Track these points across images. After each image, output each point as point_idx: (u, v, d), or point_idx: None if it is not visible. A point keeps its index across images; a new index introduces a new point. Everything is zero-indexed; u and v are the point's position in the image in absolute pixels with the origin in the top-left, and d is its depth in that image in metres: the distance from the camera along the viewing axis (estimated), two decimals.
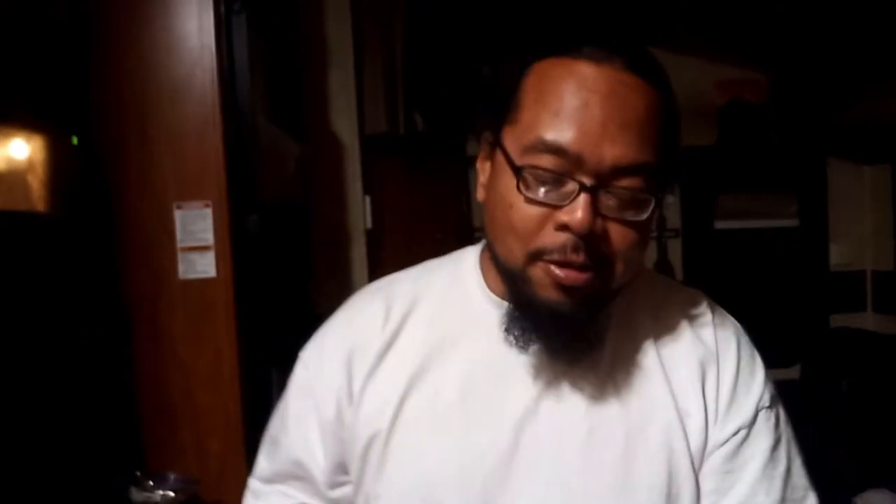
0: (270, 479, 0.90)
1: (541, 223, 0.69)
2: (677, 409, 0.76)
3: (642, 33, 3.10)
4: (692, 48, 3.13)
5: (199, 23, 1.80)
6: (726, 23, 2.82)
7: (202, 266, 1.80)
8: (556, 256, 0.68)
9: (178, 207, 1.79)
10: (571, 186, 0.68)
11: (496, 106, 0.75)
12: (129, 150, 1.79)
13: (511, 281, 0.74)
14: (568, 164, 0.67)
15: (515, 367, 0.76)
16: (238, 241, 1.83)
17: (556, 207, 0.68)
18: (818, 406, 2.99)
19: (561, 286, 0.69)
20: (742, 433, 0.76)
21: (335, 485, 0.85)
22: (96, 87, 1.78)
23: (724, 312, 0.85)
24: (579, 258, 0.68)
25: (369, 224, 2.84)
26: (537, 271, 0.70)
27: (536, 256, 0.70)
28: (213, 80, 1.80)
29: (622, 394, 0.76)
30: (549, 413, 0.75)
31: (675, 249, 3.25)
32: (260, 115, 1.99)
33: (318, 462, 0.84)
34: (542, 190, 0.69)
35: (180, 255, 1.80)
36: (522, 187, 0.69)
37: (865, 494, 2.43)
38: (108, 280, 1.77)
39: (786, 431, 0.79)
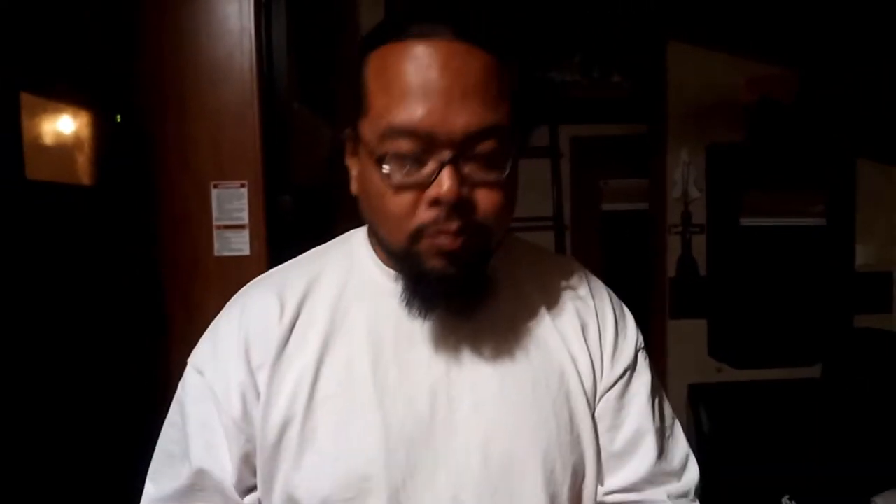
0: (167, 499, 0.82)
1: (413, 204, 0.72)
2: (570, 355, 0.83)
3: (663, 30, 3.10)
4: (722, 44, 3.13)
5: (240, 6, 1.85)
6: (757, 19, 2.81)
7: (237, 244, 1.85)
8: (434, 229, 0.71)
9: (216, 186, 1.84)
10: (432, 163, 0.70)
11: (351, 101, 0.77)
12: (170, 129, 1.84)
13: (399, 260, 0.77)
14: (422, 142, 0.69)
15: (420, 335, 0.79)
16: (272, 220, 1.87)
17: (423, 186, 0.71)
18: (838, 405, 2.98)
19: (444, 255, 0.72)
20: (628, 374, 0.85)
21: (246, 490, 0.81)
22: (139, 68, 1.83)
23: (592, 275, 0.93)
24: (454, 226, 0.71)
25: None
26: (421, 247, 0.73)
27: (417, 235, 0.73)
28: (251, 63, 1.84)
29: (522, 347, 0.81)
30: (459, 374, 0.78)
31: (699, 245, 3.24)
32: (295, 99, 2.03)
33: (226, 468, 0.79)
34: (406, 173, 0.71)
35: (216, 233, 1.85)
36: (387, 175, 0.71)
37: (886, 494, 2.42)
38: (145, 254, 1.82)
39: (651, 375, 0.88)
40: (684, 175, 3.18)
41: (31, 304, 1.35)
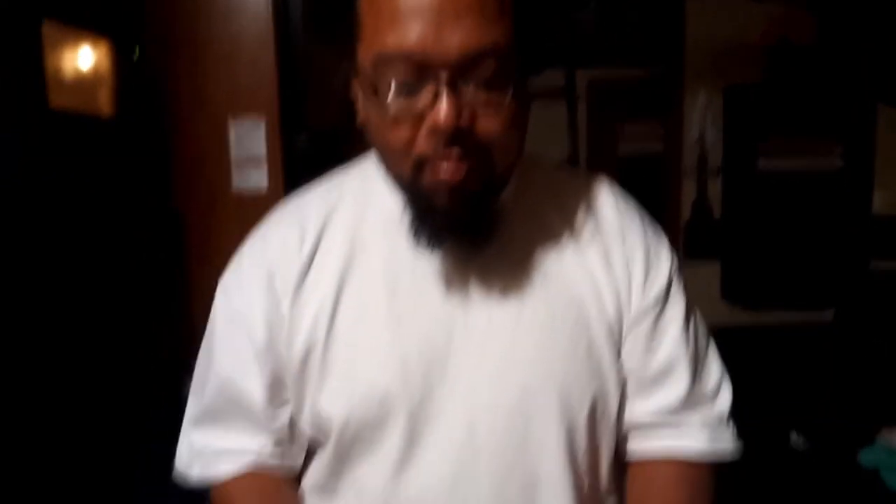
0: (202, 420, 0.85)
1: (413, 135, 0.69)
2: (591, 283, 0.80)
3: None
4: None
5: None
6: None
7: (255, 179, 1.88)
8: (434, 160, 0.69)
9: (233, 120, 1.86)
10: (428, 89, 0.67)
11: (349, 28, 0.74)
12: (184, 64, 1.85)
13: (405, 192, 0.75)
14: (416, 67, 0.66)
15: (434, 266, 0.78)
16: (289, 156, 1.90)
17: (421, 115, 0.68)
18: (850, 348, 3.01)
19: (448, 189, 0.70)
20: (661, 301, 0.82)
21: (277, 405, 0.82)
22: (155, 3, 1.84)
23: (625, 193, 0.88)
24: (455, 154, 0.68)
25: None
26: (424, 179, 0.71)
27: (420, 166, 0.70)
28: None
29: (539, 275, 0.79)
30: (474, 306, 0.78)
31: (714, 188, 3.23)
32: (312, 37, 2.03)
33: (256, 391, 0.81)
34: (402, 102, 0.68)
35: (234, 168, 1.88)
36: (383, 106, 0.68)
37: (893, 429, 2.47)
38: (162, 189, 1.86)
39: (685, 297, 0.85)
40: (701, 117, 3.15)
41: (52, 232, 1.39)
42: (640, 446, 0.83)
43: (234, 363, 0.81)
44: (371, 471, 0.78)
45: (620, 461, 0.85)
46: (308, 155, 1.97)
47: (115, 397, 1.56)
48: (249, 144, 1.86)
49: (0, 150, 1.23)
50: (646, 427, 0.83)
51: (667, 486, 0.82)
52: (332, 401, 0.77)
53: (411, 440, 0.77)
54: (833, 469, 2.55)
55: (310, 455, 0.84)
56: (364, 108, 0.75)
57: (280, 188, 1.90)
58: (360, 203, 0.83)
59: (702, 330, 0.86)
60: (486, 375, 0.77)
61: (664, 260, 0.84)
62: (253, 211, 1.88)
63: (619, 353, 0.81)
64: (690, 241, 3.21)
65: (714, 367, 0.86)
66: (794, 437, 2.69)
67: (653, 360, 0.82)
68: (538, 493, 0.78)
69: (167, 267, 1.85)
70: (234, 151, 1.87)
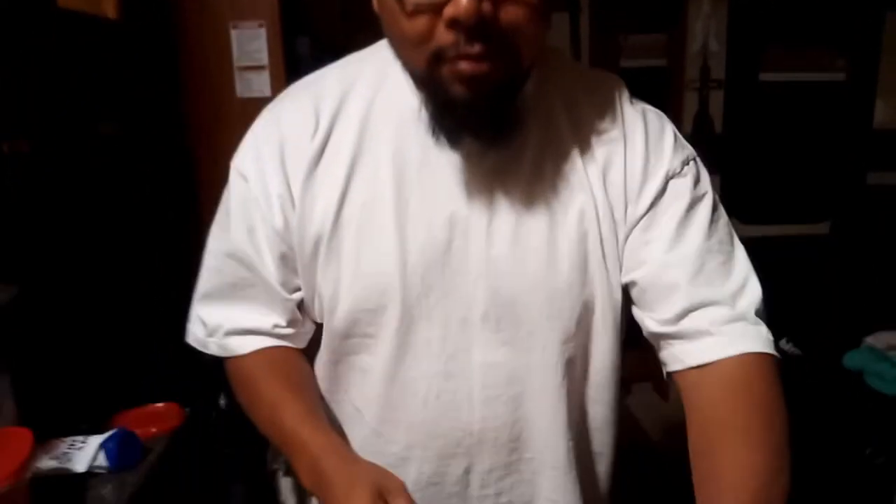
0: (216, 297, 0.86)
1: (431, 25, 0.66)
2: (592, 195, 0.79)
3: None
4: None
5: None
6: None
7: (258, 85, 1.90)
8: (453, 53, 0.66)
9: (234, 27, 1.87)
10: None
11: None
12: None
13: (421, 84, 0.73)
14: None
15: (444, 162, 0.77)
16: (290, 61, 1.92)
17: (440, 5, 0.64)
18: (844, 260, 3.07)
19: (467, 80, 0.67)
20: (654, 206, 0.79)
21: (290, 285, 0.83)
22: None
23: (630, 98, 0.84)
24: (476, 48, 0.65)
25: None
26: (442, 72, 0.68)
27: (437, 59, 0.67)
28: None
29: (545, 183, 0.79)
30: (478, 206, 0.78)
31: (717, 101, 3.22)
32: None
33: (270, 268, 0.82)
34: None
35: (237, 75, 1.90)
36: (398, 3, 0.66)
37: (877, 334, 2.55)
38: (170, 94, 1.89)
39: (702, 192, 0.81)
40: (704, 28, 3.12)
41: (56, 134, 1.42)
42: (697, 352, 0.77)
43: (249, 240, 0.81)
44: (370, 358, 0.82)
45: (617, 365, 0.85)
46: (309, 60, 1.98)
47: (130, 290, 1.63)
48: (251, 51, 1.88)
49: (7, 50, 1.25)
50: (694, 333, 0.77)
51: (747, 383, 0.75)
52: (335, 291, 0.80)
53: (409, 329, 0.79)
54: (820, 373, 2.66)
55: (313, 342, 0.87)
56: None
57: None
58: (374, 90, 0.81)
59: (718, 228, 0.81)
60: (482, 276, 0.78)
61: (663, 162, 0.80)
62: (256, 115, 1.93)
63: (619, 266, 0.81)
64: None
65: (735, 267, 0.80)
66: (785, 344, 2.78)
67: (649, 267, 0.79)
68: (525, 387, 0.81)
69: (176, 169, 1.90)
70: (237, 58, 1.89)
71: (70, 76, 1.44)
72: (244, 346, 0.84)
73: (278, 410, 0.78)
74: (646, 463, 2.26)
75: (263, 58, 1.88)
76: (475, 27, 0.63)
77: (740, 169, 3.23)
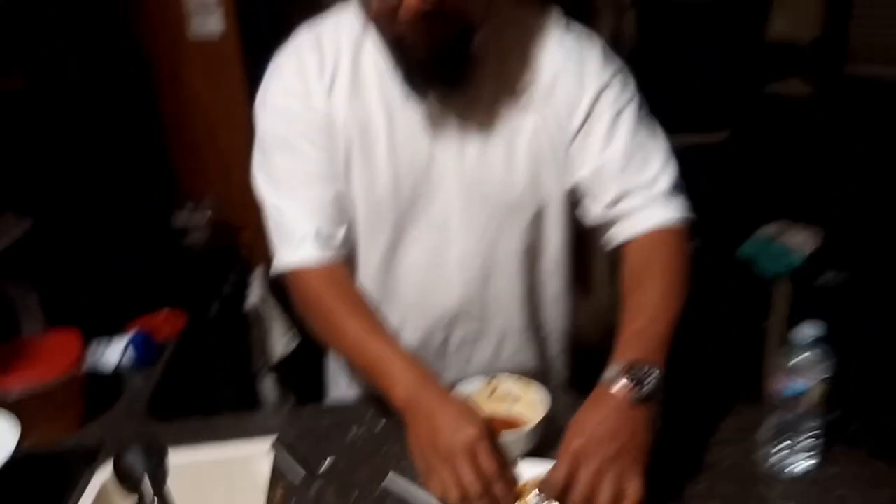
0: (277, 190, 1.00)
1: (396, 6, 0.84)
2: (540, 113, 0.99)
3: None
4: None
5: None
6: None
7: (211, 24, 2.04)
8: (412, 33, 0.85)
9: None
10: None
11: None
12: None
13: (391, 48, 0.91)
14: None
15: (421, 107, 0.96)
16: (241, 1, 2.04)
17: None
18: (741, 165, 3.40)
19: (426, 48, 0.86)
20: (589, 117, 0.99)
21: (333, 180, 0.99)
22: None
23: (569, 29, 1.02)
24: (424, 25, 0.83)
25: None
26: (406, 42, 0.87)
27: (400, 38, 0.87)
28: None
29: (501, 112, 0.98)
30: (452, 134, 0.98)
31: (630, 20, 3.47)
32: None
33: (320, 159, 0.98)
34: None
35: (189, 14, 2.02)
36: None
37: (768, 225, 2.92)
38: (128, 37, 2.00)
39: (628, 99, 1.01)
40: None
41: (45, 72, 1.55)
42: (627, 228, 1.01)
43: (299, 140, 0.97)
44: (370, 251, 1.03)
45: (567, 251, 1.09)
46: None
47: (118, 214, 1.80)
48: None
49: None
50: (624, 214, 1.00)
51: (658, 243, 0.99)
52: (351, 201, 1.00)
53: (401, 232, 1.01)
54: (717, 262, 3.04)
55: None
56: None
57: (234, 31, 2.06)
58: (357, 46, 0.98)
59: (641, 127, 1.01)
60: (455, 190, 1.00)
61: (592, 80, 0.99)
62: (212, 52, 2.07)
63: (565, 169, 1.01)
64: None
65: (654, 154, 1.01)
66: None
67: (590, 164, 1.00)
68: (494, 272, 1.05)
69: (142, 103, 2.03)
70: None
71: (50, 23, 1.57)
72: (301, 257, 0.98)
73: (362, 340, 0.92)
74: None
75: None
76: (423, 13, 0.83)
77: (651, 82, 3.51)
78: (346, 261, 1.02)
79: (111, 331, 1.42)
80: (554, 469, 0.77)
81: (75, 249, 1.55)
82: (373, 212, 1.00)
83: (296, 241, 0.97)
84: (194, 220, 2.03)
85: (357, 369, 0.97)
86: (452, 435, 0.79)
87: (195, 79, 2.08)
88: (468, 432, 0.79)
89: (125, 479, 0.78)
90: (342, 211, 1.00)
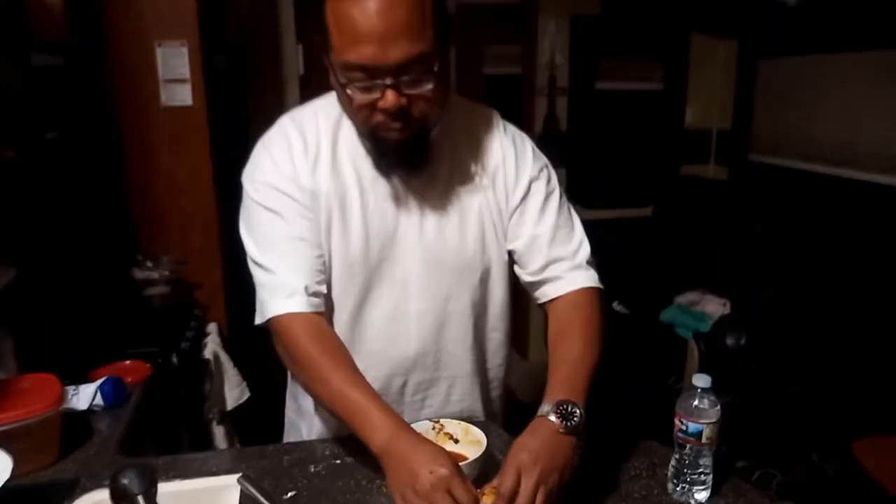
0: (263, 258, 1.11)
1: (370, 109, 1.01)
2: (485, 195, 1.17)
3: None
4: None
5: None
6: None
7: (181, 95, 2.20)
8: (384, 128, 1.02)
9: (160, 45, 2.15)
10: (379, 86, 0.97)
11: (320, 37, 1.01)
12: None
13: (365, 137, 1.09)
14: (370, 72, 0.96)
15: (388, 183, 1.12)
16: (209, 75, 2.22)
17: (375, 101, 0.99)
18: (661, 235, 3.69)
19: (394, 140, 1.04)
20: (524, 200, 1.18)
21: (318, 248, 1.11)
22: None
23: (506, 124, 1.21)
24: (398, 125, 1.01)
25: (301, 70, 3.17)
26: (378, 135, 1.05)
27: (374, 130, 1.04)
28: None
29: (453, 192, 1.15)
30: (413, 207, 1.14)
31: (562, 105, 3.78)
32: None
33: (306, 231, 1.11)
34: (362, 91, 0.99)
35: (162, 86, 2.19)
36: (349, 95, 1.00)
37: (684, 294, 3.18)
38: (102, 106, 2.14)
39: (553, 187, 1.21)
40: (552, 43, 3.67)
41: (31, 143, 1.67)
42: (553, 290, 1.19)
43: (288, 211, 1.10)
44: (342, 305, 1.15)
45: (508, 306, 1.25)
46: (224, 72, 2.29)
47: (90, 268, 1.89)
48: (175, 66, 2.16)
49: None
50: (551, 278, 1.19)
51: (579, 304, 1.17)
52: (333, 253, 1.12)
53: (369, 288, 1.15)
54: (642, 327, 3.27)
55: None
56: (335, 86, 1.05)
57: (202, 102, 2.22)
58: (335, 131, 1.13)
59: (564, 210, 1.22)
60: (416, 255, 1.15)
61: (527, 169, 1.18)
62: (180, 121, 2.23)
63: (505, 238, 1.19)
64: (542, 151, 3.75)
65: (575, 234, 1.21)
66: (616, 305, 3.37)
67: (525, 236, 1.18)
68: (447, 325, 1.20)
69: (110, 167, 2.15)
70: (162, 73, 2.17)
71: (30, 93, 1.71)
72: (286, 306, 1.08)
73: (345, 390, 1.02)
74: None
75: (186, 72, 2.18)
76: (397, 114, 1.00)
77: (581, 162, 3.80)
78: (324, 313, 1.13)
79: (78, 376, 1.49)
80: (503, 478, 0.93)
81: (49, 298, 1.64)
82: (346, 272, 1.14)
83: (286, 294, 1.08)
84: (153, 276, 2.12)
85: (336, 415, 1.08)
86: (428, 475, 0.90)
87: (163, 145, 2.21)
88: (442, 472, 0.90)
89: (120, 498, 0.88)
90: (323, 270, 1.12)
